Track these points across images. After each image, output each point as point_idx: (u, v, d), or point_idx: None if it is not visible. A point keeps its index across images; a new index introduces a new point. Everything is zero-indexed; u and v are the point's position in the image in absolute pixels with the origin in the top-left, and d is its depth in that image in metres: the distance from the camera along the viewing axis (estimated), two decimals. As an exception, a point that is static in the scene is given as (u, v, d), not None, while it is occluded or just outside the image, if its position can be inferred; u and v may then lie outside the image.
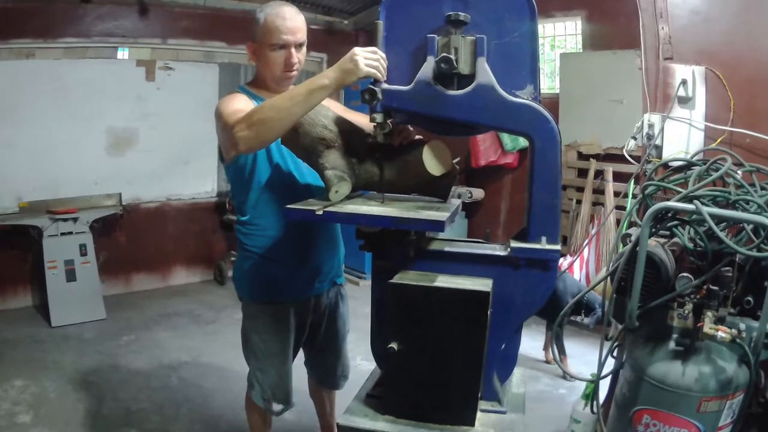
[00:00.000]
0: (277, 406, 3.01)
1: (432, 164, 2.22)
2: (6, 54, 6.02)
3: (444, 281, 2.09)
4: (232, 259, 7.43)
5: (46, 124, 6.30)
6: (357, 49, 2.14)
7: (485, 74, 2.05)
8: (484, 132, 3.49)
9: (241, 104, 2.52)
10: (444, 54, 2.03)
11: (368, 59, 2.13)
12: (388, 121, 2.19)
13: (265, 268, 2.83)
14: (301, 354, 3.22)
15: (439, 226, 1.96)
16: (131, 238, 7.11)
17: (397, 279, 2.10)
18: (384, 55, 2.16)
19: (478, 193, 7.16)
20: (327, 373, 3.30)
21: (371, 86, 2.13)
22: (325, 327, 3.12)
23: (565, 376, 4.90)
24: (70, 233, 6.08)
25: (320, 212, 2.06)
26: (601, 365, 2.56)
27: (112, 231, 6.90)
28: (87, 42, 6.49)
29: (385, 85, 2.14)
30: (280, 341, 2.91)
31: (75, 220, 6.10)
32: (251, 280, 2.90)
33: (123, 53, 6.79)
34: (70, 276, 6.01)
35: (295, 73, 2.70)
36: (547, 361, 5.05)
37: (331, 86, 2.19)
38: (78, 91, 6.48)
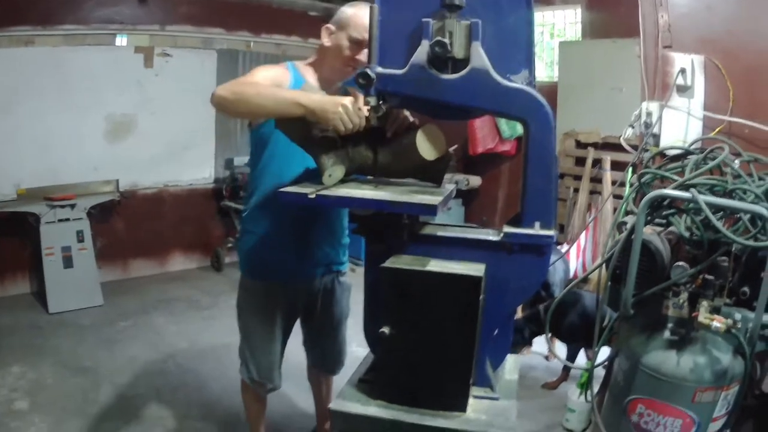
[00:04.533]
0: (267, 384, 3.08)
1: (426, 148, 2.20)
2: (5, 41, 6.00)
3: (437, 266, 2.08)
4: (230, 245, 7.48)
5: (45, 111, 6.29)
6: (347, 106, 2.21)
7: (480, 58, 2.03)
8: (479, 116, 3.47)
9: (264, 74, 2.62)
10: (438, 38, 2.01)
11: (348, 119, 2.21)
12: (382, 105, 2.18)
13: (259, 246, 2.91)
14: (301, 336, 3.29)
15: (431, 210, 1.94)
16: (129, 225, 7.12)
17: (390, 263, 2.08)
18: (365, 113, 2.23)
19: (475, 181, 7.16)
20: (322, 356, 3.34)
21: (366, 70, 2.11)
22: (321, 312, 3.14)
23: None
24: (68, 220, 6.07)
25: (313, 196, 2.05)
26: (595, 354, 2.56)
27: (109, 217, 6.90)
28: (86, 29, 6.46)
29: (380, 69, 2.12)
30: (267, 319, 2.98)
31: (72, 206, 6.09)
32: (246, 256, 2.99)
33: (122, 40, 6.77)
34: (68, 262, 6.01)
35: (352, 71, 2.73)
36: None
37: (307, 110, 2.25)
38: (77, 78, 6.46)
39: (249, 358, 3.05)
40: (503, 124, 6.62)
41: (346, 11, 2.69)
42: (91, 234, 6.22)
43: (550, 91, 5.93)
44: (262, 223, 2.88)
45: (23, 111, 6.17)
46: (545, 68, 6.94)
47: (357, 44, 2.65)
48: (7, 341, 5.18)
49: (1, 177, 6.14)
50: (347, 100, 2.19)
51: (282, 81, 2.65)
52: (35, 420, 3.93)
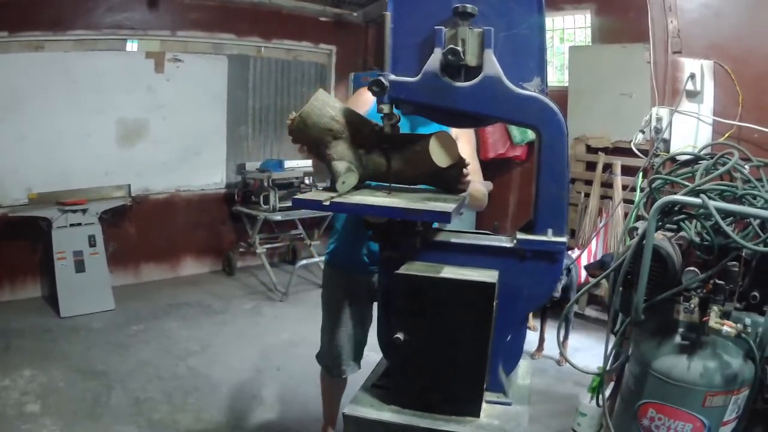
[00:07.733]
0: (332, 369, 3.26)
1: (439, 155, 2.22)
2: (16, 46, 6.04)
3: (451, 272, 2.09)
4: (241, 250, 7.51)
5: (56, 116, 6.33)
6: None
7: (492, 66, 2.04)
8: (491, 123, 3.49)
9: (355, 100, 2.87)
10: (451, 45, 2.03)
11: None
12: (396, 112, 2.20)
13: (336, 239, 3.19)
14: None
15: (445, 217, 1.96)
16: (140, 229, 7.14)
17: (403, 270, 2.10)
18: None
19: (487, 186, 7.14)
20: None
21: (379, 77, 2.12)
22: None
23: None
24: (80, 224, 6.11)
25: (327, 203, 2.07)
26: (607, 358, 2.57)
27: (121, 222, 6.93)
28: (96, 34, 6.51)
29: (393, 76, 2.13)
30: (336, 307, 3.16)
31: (84, 211, 6.12)
32: (329, 247, 3.26)
33: (132, 45, 6.80)
34: (79, 267, 6.04)
35: None
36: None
37: None
38: (87, 82, 6.49)
39: (322, 344, 3.28)
40: (514, 129, 6.61)
41: None
42: (102, 238, 6.25)
43: (560, 95, 5.93)
44: (341, 222, 3.14)
45: (33, 115, 6.20)
46: (555, 72, 6.94)
47: None
48: (18, 345, 5.20)
49: (12, 181, 6.18)
50: None
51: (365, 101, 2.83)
52: (46, 423, 3.95)
